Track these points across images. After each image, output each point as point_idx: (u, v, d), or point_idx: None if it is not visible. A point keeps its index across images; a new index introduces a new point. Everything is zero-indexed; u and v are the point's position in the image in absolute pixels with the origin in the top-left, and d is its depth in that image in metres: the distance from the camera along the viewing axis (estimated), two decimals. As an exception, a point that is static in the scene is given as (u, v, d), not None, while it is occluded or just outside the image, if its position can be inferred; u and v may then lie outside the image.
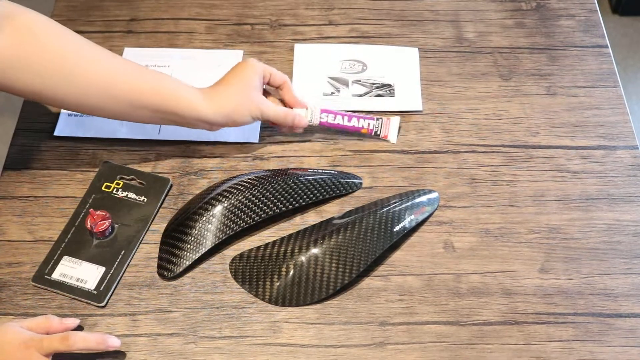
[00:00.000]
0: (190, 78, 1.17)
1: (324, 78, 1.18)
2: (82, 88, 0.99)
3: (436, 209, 1.04)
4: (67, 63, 0.97)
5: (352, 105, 1.15)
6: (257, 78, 1.06)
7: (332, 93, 1.17)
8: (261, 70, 1.07)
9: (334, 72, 1.19)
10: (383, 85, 1.17)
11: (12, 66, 0.95)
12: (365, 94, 1.16)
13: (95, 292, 0.96)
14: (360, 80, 1.18)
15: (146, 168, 1.08)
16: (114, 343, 0.90)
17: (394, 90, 1.17)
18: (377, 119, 1.11)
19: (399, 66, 1.20)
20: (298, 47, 1.22)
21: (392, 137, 1.11)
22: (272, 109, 1.07)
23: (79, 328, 0.93)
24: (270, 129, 1.12)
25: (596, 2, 1.29)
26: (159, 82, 1.02)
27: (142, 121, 1.05)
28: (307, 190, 1.03)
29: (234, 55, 1.21)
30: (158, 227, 1.03)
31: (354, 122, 1.10)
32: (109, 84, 0.99)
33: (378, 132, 1.10)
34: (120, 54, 1.21)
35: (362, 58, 1.20)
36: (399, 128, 1.12)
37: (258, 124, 1.13)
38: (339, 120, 1.10)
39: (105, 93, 0.99)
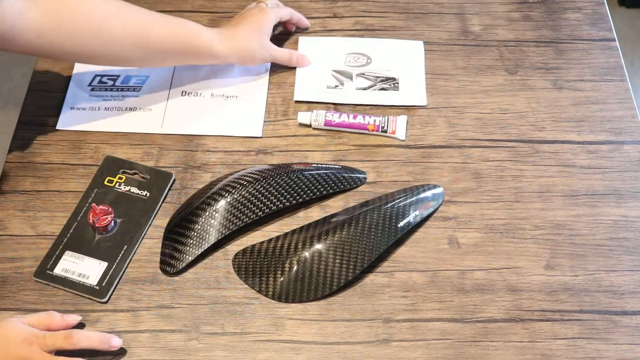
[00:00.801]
0: (194, 71, 1.16)
1: (328, 71, 1.17)
2: (112, 42, 1.04)
3: (441, 205, 1.03)
4: (94, 20, 1.02)
5: (356, 99, 1.14)
6: (269, 24, 1.15)
7: (336, 86, 1.16)
8: (273, 17, 1.15)
9: (338, 65, 1.18)
10: (387, 79, 1.16)
11: (45, 31, 0.99)
12: (370, 87, 1.15)
13: (97, 287, 0.96)
14: (364, 74, 1.17)
15: (149, 162, 1.08)
16: (116, 343, 0.90)
17: (398, 84, 1.16)
18: (384, 116, 1.10)
19: (403, 60, 1.19)
20: (302, 40, 1.21)
21: (401, 133, 1.10)
22: (280, 52, 1.16)
23: (80, 324, 0.92)
24: (274, 123, 1.11)
25: (603, -6, 1.28)
26: (182, 29, 1.09)
27: (164, 65, 1.13)
28: (310, 185, 1.03)
29: (238, 48, 1.20)
30: (161, 222, 1.02)
31: (359, 120, 1.09)
32: (138, 34, 1.05)
33: (385, 128, 1.09)
34: (123, 46, 1.20)
35: (367, 51, 1.19)
36: (406, 123, 1.11)
37: (261, 119, 1.12)
38: (344, 119, 1.10)
39: (135, 44, 1.05)
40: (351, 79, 1.17)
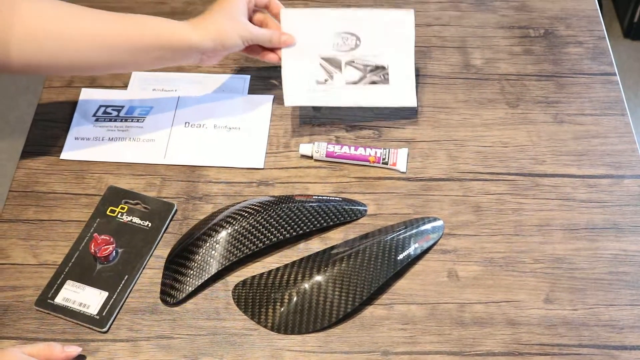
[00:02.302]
0: (197, 103, 1.18)
1: (316, 59, 1.14)
2: (74, 48, 1.01)
3: (441, 237, 1.04)
4: (53, 28, 0.99)
5: (347, 100, 1.13)
6: (242, 4, 1.10)
7: (326, 80, 1.14)
8: None
9: (326, 50, 1.14)
10: (377, 68, 1.14)
11: (3, 44, 0.97)
12: (360, 80, 1.14)
13: (97, 317, 0.96)
14: (353, 61, 1.15)
15: (151, 192, 1.08)
16: None
17: (388, 75, 1.14)
18: (385, 149, 1.11)
19: (394, 37, 1.15)
20: (284, 13, 1.14)
21: (402, 165, 1.10)
22: (260, 30, 1.11)
23: (81, 356, 0.93)
24: (276, 155, 1.12)
25: (604, 29, 1.29)
26: (146, 23, 1.05)
27: (138, 67, 1.09)
28: (311, 217, 1.03)
29: (241, 80, 1.21)
30: (162, 252, 1.03)
31: (360, 151, 1.10)
32: (101, 36, 1.02)
33: (386, 160, 1.10)
34: (128, 78, 1.21)
35: (355, 30, 1.15)
36: (407, 155, 1.12)
37: (263, 151, 1.13)
38: (345, 150, 1.10)
39: (99, 47, 1.02)
40: (340, 68, 1.14)
